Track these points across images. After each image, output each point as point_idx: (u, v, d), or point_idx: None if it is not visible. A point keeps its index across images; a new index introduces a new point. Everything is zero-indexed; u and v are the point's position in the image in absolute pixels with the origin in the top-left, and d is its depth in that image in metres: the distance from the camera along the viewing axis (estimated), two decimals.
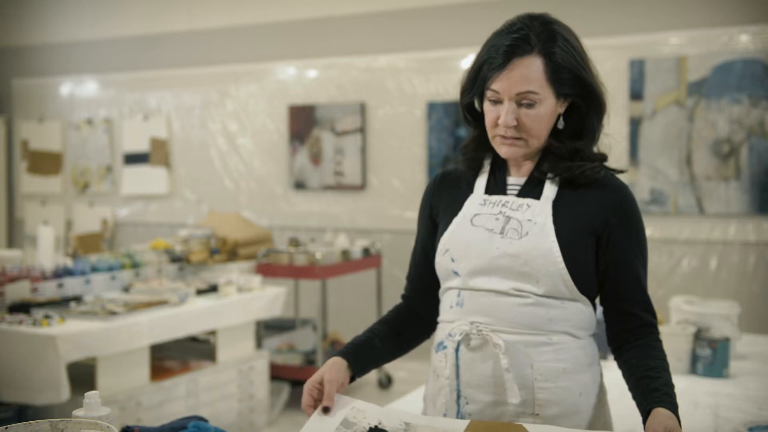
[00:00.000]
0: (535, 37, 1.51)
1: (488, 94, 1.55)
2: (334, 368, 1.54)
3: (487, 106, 1.56)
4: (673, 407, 1.42)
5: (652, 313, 1.59)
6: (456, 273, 1.59)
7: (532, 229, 1.53)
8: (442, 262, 1.62)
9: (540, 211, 1.55)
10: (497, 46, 1.53)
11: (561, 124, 1.58)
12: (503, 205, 1.59)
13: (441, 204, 1.69)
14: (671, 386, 1.48)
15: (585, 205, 1.56)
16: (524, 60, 1.50)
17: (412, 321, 1.72)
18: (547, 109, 1.53)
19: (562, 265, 1.51)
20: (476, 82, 1.57)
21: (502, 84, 1.51)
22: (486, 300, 1.55)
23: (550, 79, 1.51)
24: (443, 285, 1.65)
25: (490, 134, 1.58)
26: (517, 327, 1.53)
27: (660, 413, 1.40)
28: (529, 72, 1.50)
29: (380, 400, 4.73)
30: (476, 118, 1.64)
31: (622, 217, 1.56)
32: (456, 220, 1.62)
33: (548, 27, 1.53)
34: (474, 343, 1.55)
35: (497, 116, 1.54)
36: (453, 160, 1.67)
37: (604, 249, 1.55)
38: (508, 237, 1.54)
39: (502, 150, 1.57)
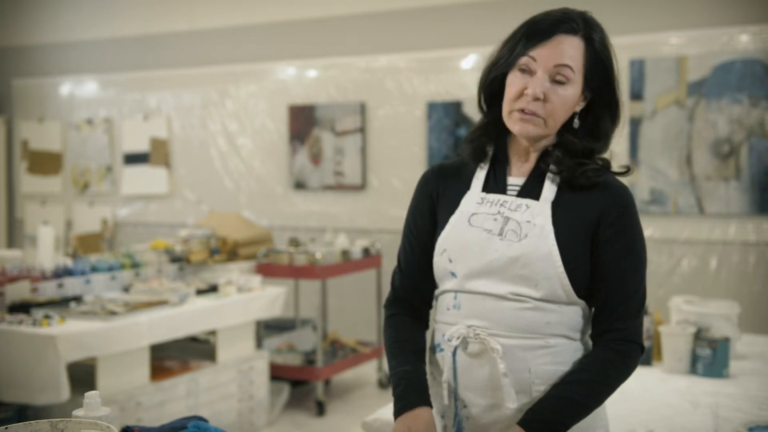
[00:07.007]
0: (581, 21, 1.53)
1: (522, 61, 1.52)
2: (422, 421, 1.52)
3: (514, 77, 1.53)
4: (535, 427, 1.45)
5: (632, 325, 1.53)
6: (453, 274, 1.57)
7: (531, 231, 1.51)
8: (439, 261, 1.59)
9: (539, 213, 1.53)
10: (541, 21, 1.53)
11: (576, 123, 1.57)
12: (501, 204, 1.56)
13: (440, 198, 1.65)
14: (558, 409, 1.47)
15: (583, 208, 1.53)
16: (569, 37, 1.51)
17: (419, 332, 1.69)
18: (574, 94, 1.53)
19: (562, 269, 1.49)
20: (514, 52, 1.53)
21: (542, 52, 1.50)
22: (484, 304, 1.53)
23: (586, 65, 1.52)
24: (440, 287, 1.62)
25: (507, 109, 1.54)
26: (515, 331, 1.51)
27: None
28: (571, 50, 1.51)
29: (380, 399, 4.73)
30: (490, 107, 1.62)
31: (614, 217, 1.52)
32: (453, 219, 1.59)
33: (589, 17, 1.56)
34: (472, 348, 1.54)
35: (524, 87, 1.51)
36: (454, 154, 1.63)
37: (595, 249, 1.52)
38: (507, 239, 1.52)
39: (517, 127, 1.53)
